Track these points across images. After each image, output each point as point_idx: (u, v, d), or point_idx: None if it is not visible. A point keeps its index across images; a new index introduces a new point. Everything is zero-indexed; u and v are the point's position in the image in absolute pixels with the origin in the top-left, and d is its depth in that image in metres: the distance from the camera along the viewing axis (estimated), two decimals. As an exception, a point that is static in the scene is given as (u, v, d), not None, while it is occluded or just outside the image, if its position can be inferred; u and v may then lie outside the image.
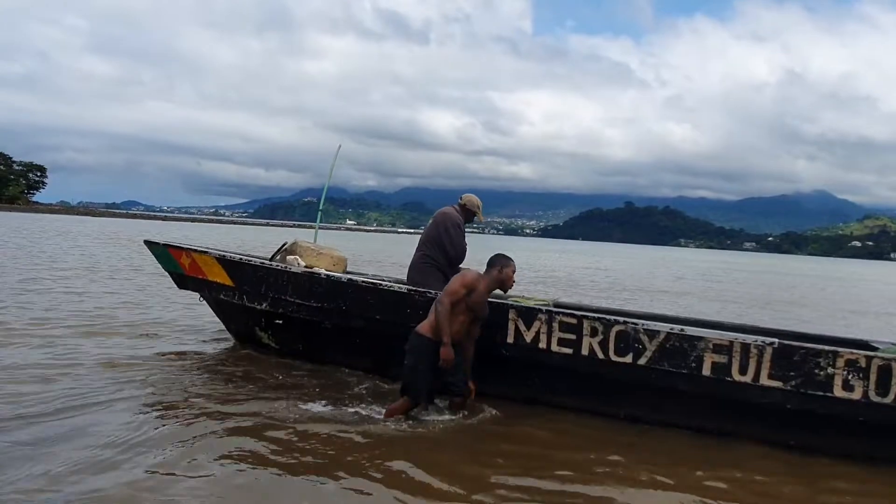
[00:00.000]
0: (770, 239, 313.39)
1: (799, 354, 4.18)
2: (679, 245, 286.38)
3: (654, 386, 4.59)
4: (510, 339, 4.87)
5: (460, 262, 5.70)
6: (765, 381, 4.24)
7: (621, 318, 4.75)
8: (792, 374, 4.19)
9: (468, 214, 5.79)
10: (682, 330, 4.52)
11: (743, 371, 4.31)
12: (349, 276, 5.70)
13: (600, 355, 4.66)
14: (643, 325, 4.61)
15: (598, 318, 4.73)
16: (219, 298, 6.21)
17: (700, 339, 4.44)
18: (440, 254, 5.61)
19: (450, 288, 4.57)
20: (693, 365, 4.44)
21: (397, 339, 4.75)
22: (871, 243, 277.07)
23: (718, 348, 4.38)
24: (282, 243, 6.38)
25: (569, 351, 4.73)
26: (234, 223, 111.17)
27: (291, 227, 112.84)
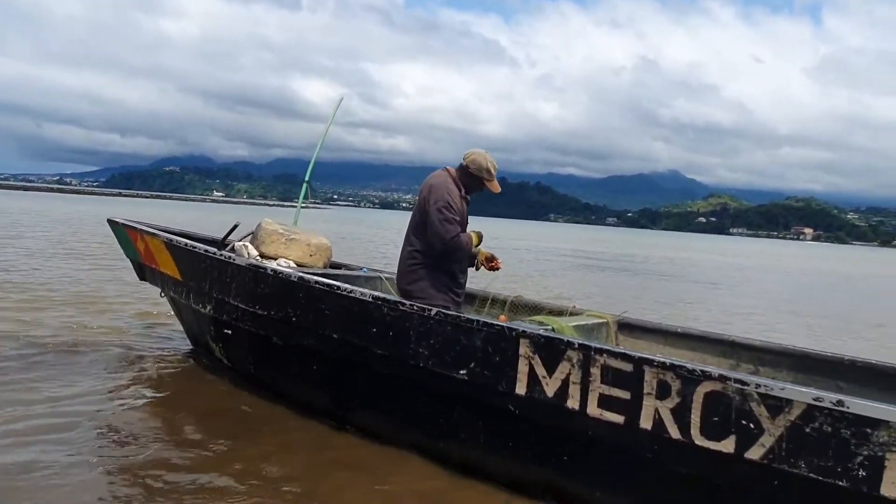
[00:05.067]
0: (630, 214, 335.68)
1: None
2: (549, 220, 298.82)
3: (778, 502, 2.42)
4: (521, 389, 2.89)
5: (454, 258, 3.68)
6: None
7: (715, 371, 2.52)
8: None
9: (471, 182, 3.74)
10: (838, 402, 2.33)
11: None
12: (301, 274, 3.85)
13: (674, 434, 2.51)
14: (759, 385, 2.39)
15: (673, 367, 2.52)
16: (171, 296, 5.04)
17: (878, 423, 2.27)
18: (428, 247, 3.65)
19: None
20: (861, 474, 2.28)
21: (359, 369, 3.56)
22: (714, 219, 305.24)
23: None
24: (234, 223, 4.88)
25: (618, 419, 2.63)
26: (81, 193, 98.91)
27: (148, 197, 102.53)
